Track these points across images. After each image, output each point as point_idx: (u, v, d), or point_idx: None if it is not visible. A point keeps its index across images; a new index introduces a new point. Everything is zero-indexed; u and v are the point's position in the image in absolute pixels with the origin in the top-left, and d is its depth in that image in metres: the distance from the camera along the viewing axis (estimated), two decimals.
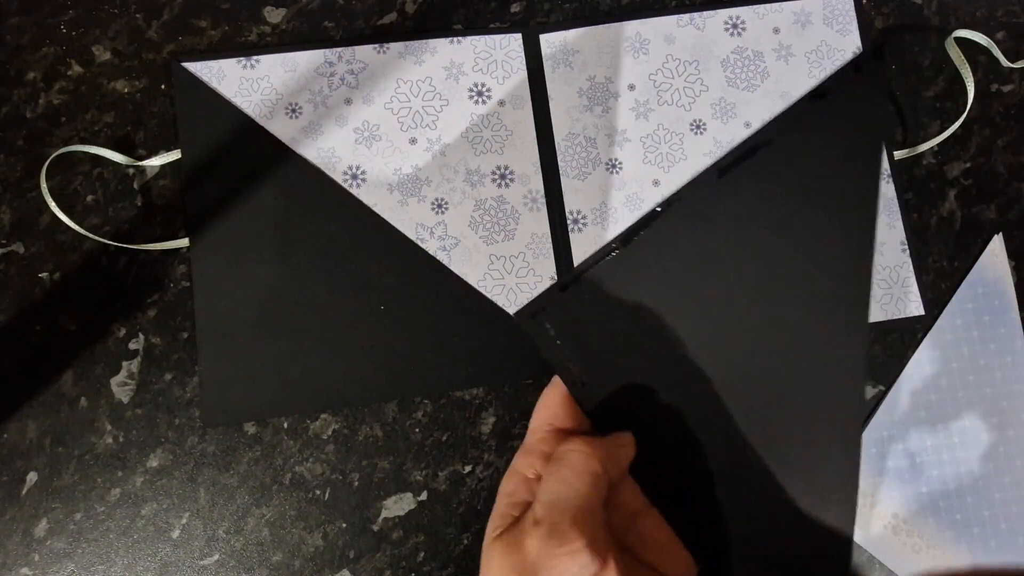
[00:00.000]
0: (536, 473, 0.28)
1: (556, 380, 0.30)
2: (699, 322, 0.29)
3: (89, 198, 0.43)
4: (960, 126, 0.46)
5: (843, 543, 0.29)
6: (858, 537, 0.42)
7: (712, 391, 0.29)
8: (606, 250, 0.29)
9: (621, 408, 0.29)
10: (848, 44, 0.47)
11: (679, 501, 0.29)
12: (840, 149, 0.30)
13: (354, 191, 0.44)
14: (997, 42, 0.47)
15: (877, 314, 0.44)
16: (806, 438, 0.29)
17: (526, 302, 0.41)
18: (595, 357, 0.29)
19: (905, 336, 0.44)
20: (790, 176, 0.30)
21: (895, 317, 0.44)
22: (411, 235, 0.44)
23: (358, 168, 0.44)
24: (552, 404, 0.30)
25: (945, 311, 0.44)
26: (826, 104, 0.30)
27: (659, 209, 0.30)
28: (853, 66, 0.30)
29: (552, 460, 0.27)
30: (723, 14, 0.47)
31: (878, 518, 0.42)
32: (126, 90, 0.45)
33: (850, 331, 0.29)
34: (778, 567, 0.29)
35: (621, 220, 0.44)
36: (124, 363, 0.42)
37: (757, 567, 0.29)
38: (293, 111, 0.44)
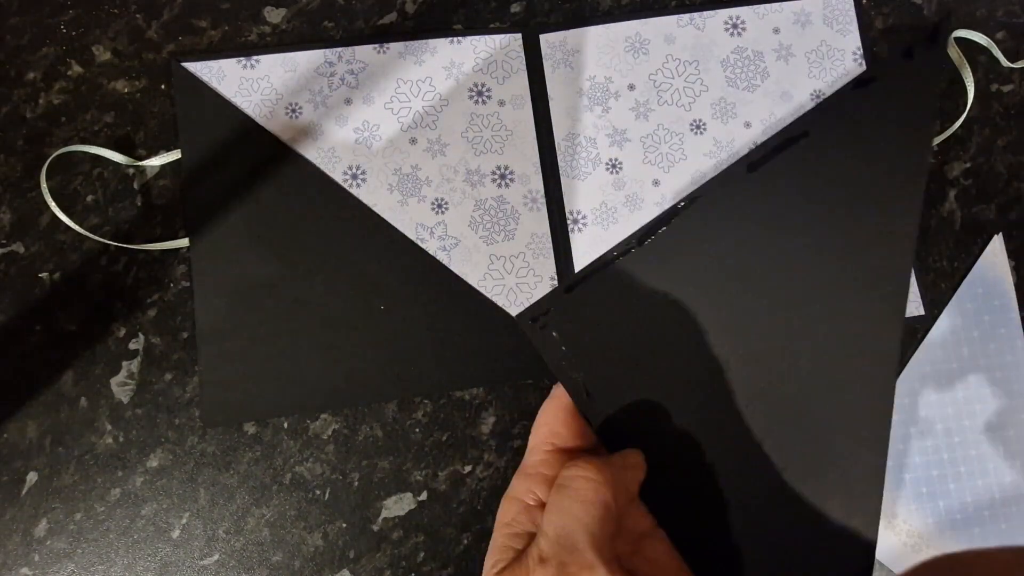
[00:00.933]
0: (537, 499, 0.26)
1: (556, 392, 0.27)
2: (719, 330, 0.26)
3: (89, 198, 0.43)
4: (960, 126, 0.46)
5: (864, 567, 0.27)
6: None
7: (730, 404, 0.26)
8: (620, 248, 0.27)
9: (630, 422, 0.27)
10: (848, 44, 0.47)
11: (689, 523, 0.26)
12: (883, 142, 0.27)
13: (354, 191, 0.44)
14: (997, 42, 0.47)
15: None
16: (828, 457, 0.26)
17: (527, 302, 0.39)
18: (603, 366, 0.26)
19: (905, 336, 0.44)
20: (827, 171, 0.27)
21: None
22: (411, 235, 0.44)
23: (358, 168, 0.44)
24: (552, 420, 0.27)
25: (945, 311, 0.44)
26: (870, 92, 0.27)
27: (681, 205, 0.27)
28: (903, 51, 0.27)
29: (556, 486, 0.25)
30: (723, 14, 0.47)
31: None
32: (126, 90, 0.45)
33: (883, 341, 0.26)
34: None
35: (621, 220, 0.44)
36: (124, 363, 0.42)
37: None
38: (293, 111, 0.44)
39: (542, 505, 0.25)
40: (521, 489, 0.26)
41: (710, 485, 0.27)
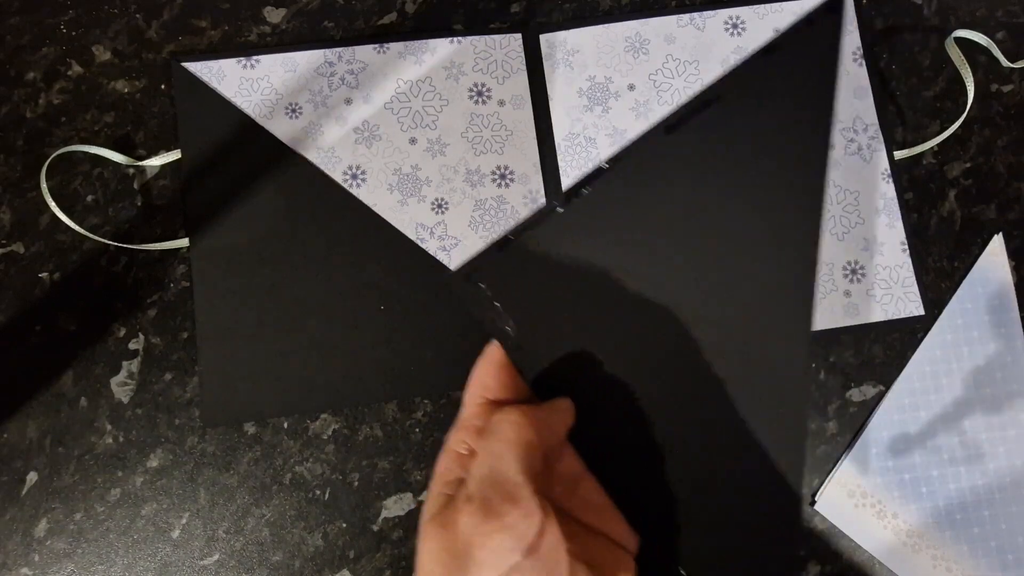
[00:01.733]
0: (468, 448, 0.27)
1: (488, 350, 0.29)
2: (643, 284, 0.28)
3: (89, 198, 0.43)
4: (960, 126, 0.46)
5: (792, 511, 0.28)
6: (859, 537, 0.42)
7: (655, 354, 0.28)
8: (547, 208, 0.28)
9: (561, 372, 0.28)
10: (848, 44, 0.47)
11: (620, 469, 0.28)
12: (790, 105, 0.29)
13: (354, 191, 0.44)
14: (997, 42, 0.47)
15: (877, 314, 0.44)
16: (751, 404, 0.28)
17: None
18: (534, 319, 0.28)
19: (905, 336, 0.44)
20: (739, 133, 0.28)
21: (895, 317, 0.44)
22: (411, 235, 0.44)
23: (358, 168, 0.44)
24: (484, 375, 0.28)
25: (945, 311, 0.44)
26: (777, 59, 0.29)
27: (605, 167, 0.28)
28: (806, 21, 0.29)
29: (483, 433, 0.26)
30: (723, 14, 0.47)
31: (878, 518, 0.42)
32: (126, 90, 0.45)
33: (797, 292, 0.28)
34: (721, 536, 0.28)
35: None
36: (124, 363, 0.42)
37: (700, 536, 0.28)
38: (293, 111, 0.44)
39: (473, 454, 0.27)
40: (454, 441, 0.28)
41: (639, 430, 0.28)
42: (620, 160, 0.28)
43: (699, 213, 0.28)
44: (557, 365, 0.28)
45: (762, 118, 0.29)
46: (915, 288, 0.44)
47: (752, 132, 0.29)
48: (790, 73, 0.29)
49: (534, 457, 0.25)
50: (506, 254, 0.28)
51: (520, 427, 0.26)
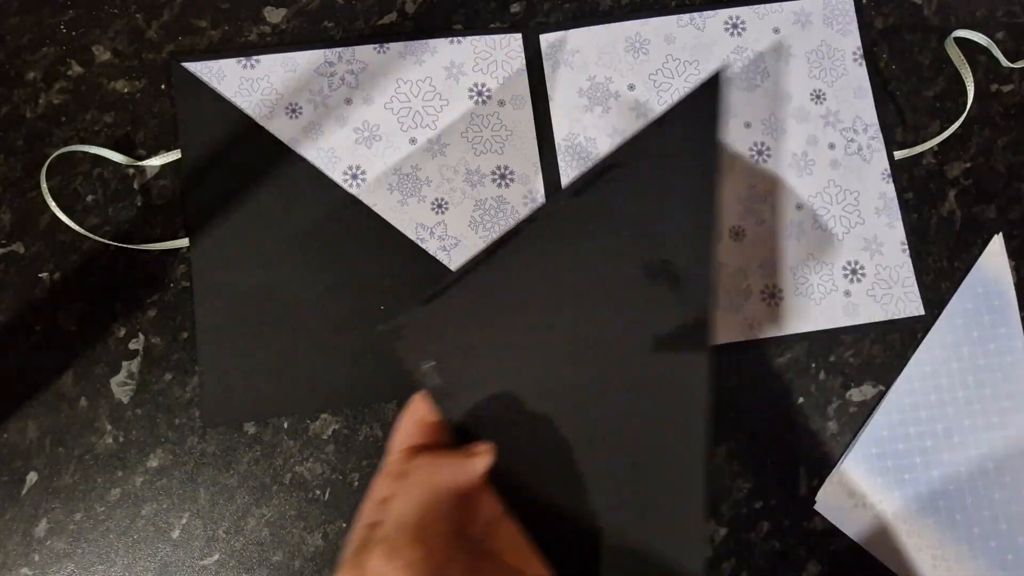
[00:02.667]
0: (389, 493, 0.29)
1: (413, 402, 0.31)
2: (557, 335, 0.30)
3: (89, 198, 0.43)
4: (960, 126, 0.46)
5: (696, 548, 0.30)
6: (859, 537, 0.42)
7: (570, 402, 0.30)
8: (472, 263, 0.30)
9: (485, 419, 0.30)
10: (848, 44, 0.47)
11: (539, 509, 0.30)
12: (676, 174, 0.31)
13: (354, 191, 0.44)
14: (997, 42, 0.47)
15: (877, 314, 0.44)
16: (656, 448, 0.30)
17: None
18: (459, 371, 0.30)
19: (905, 336, 0.44)
20: (634, 198, 0.31)
21: (895, 317, 0.44)
22: (411, 235, 0.44)
23: (358, 168, 0.44)
24: (408, 424, 0.30)
25: (945, 311, 0.44)
26: (664, 130, 0.31)
27: (521, 224, 0.30)
28: (692, 96, 0.32)
29: (402, 477, 0.28)
30: (723, 14, 0.47)
31: (878, 518, 0.42)
32: (126, 90, 0.45)
33: (694, 342, 0.30)
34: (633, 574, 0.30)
35: None
36: (124, 363, 0.42)
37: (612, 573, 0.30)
38: (293, 111, 0.44)
39: (392, 498, 0.28)
40: (377, 486, 0.29)
41: (556, 474, 0.30)
42: (533, 220, 0.31)
43: (603, 271, 0.31)
44: (481, 411, 0.30)
45: (651, 184, 0.32)
46: (915, 288, 0.44)
47: (644, 198, 0.31)
48: (674, 143, 0.32)
49: (442, 499, 0.27)
50: (433, 307, 0.30)
51: (431, 471, 0.28)
